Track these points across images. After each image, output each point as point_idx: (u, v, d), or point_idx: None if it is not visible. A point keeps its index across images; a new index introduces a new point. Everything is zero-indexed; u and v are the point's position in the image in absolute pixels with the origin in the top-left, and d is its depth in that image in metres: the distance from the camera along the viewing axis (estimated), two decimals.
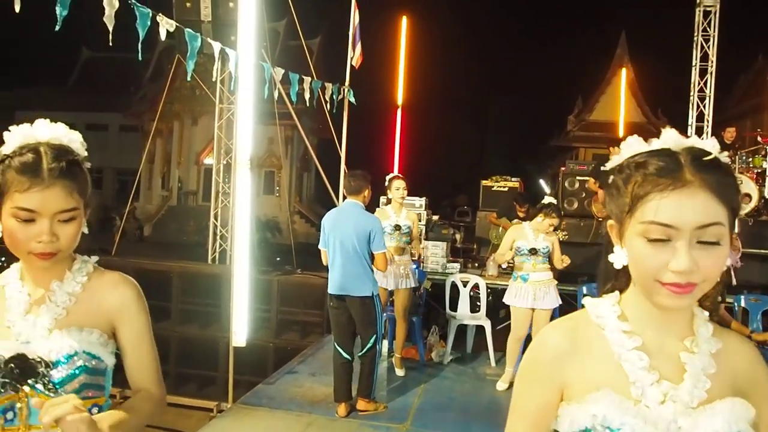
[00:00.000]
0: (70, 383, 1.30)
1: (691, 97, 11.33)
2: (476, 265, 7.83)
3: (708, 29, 11.22)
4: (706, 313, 1.07)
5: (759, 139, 8.84)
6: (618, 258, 1.03)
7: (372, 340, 4.70)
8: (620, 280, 1.10)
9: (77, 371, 1.31)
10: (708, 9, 11.30)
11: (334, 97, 7.82)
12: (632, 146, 1.04)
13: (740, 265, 4.11)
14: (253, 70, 5.38)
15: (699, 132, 11.28)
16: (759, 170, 8.55)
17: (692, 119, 11.35)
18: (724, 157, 0.99)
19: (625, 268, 1.04)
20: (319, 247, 4.83)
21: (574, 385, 1.05)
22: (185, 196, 22.43)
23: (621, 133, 11.48)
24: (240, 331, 5.36)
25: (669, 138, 1.01)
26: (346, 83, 8.20)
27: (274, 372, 5.91)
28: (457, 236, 8.43)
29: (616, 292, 1.10)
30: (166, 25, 4.31)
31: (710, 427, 0.97)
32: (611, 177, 1.05)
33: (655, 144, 1.01)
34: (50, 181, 1.25)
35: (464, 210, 13.99)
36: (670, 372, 1.02)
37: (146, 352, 1.45)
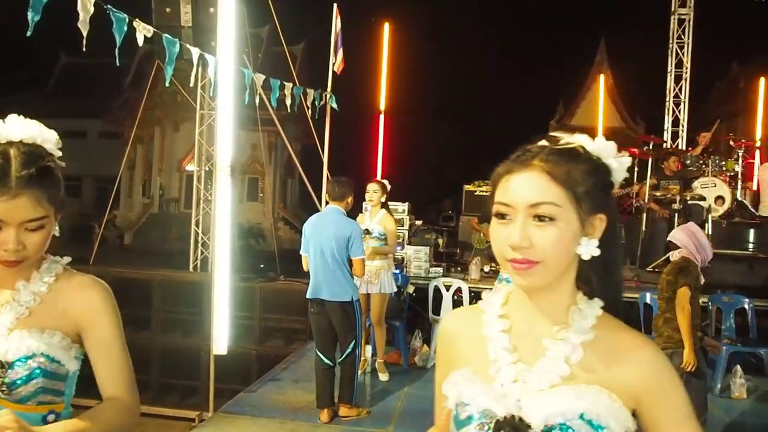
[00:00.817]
0: (25, 386, 1.26)
1: (667, 103, 11.53)
2: (459, 269, 7.88)
3: (683, 37, 11.44)
4: (597, 307, 1.06)
5: (731, 143, 9.00)
6: None
7: (351, 346, 4.71)
8: None
9: (35, 374, 1.27)
10: (683, 17, 11.51)
11: (317, 102, 7.84)
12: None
13: (707, 266, 4.19)
14: (233, 75, 5.38)
15: (675, 136, 11.49)
16: (732, 173, 8.70)
17: (668, 124, 11.54)
18: (596, 150, 1.02)
19: None
20: (300, 252, 4.84)
21: (455, 364, 1.12)
22: (167, 204, 22.24)
23: (600, 138, 11.63)
24: (221, 338, 5.33)
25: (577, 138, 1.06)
26: (329, 89, 8.22)
27: (257, 380, 5.89)
28: (440, 241, 8.48)
29: None
30: (143, 30, 4.29)
31: (548, 408, 0.98)
32: None
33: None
34: (18, 190, 1.21)
35: (449, 215, 14.04)
36: (530, 355, 1.05)
37: (116, 359, 1.38)
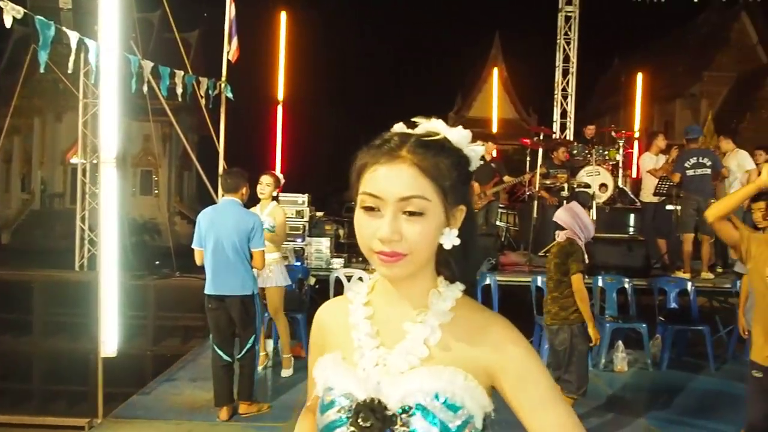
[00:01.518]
0: None
1: (556, 96, 12.10)
2: (360, 259, 7.89)
3: (569, 33, 12.02)
4: (456, 290, 1.08)
5: (613, 134, 9.59)
6: None
7: (251, 341, 4.62)
8: None
9: None
10: (569, 14, 12.10)
11: (210, 92, 7.56)
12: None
13: (590, 241, 4.47)
14: (117, 62, 5.07)
15: (563, 127, 12.10)
16: (614, 162, 9.29)
17: (557, 116, 12.12)
18: (456, 141, 1.03)
19: None
20: (193, 246, 4.65)
21: (324, 351, 1.16)
22: (50, 199, 20.83)
23: (495, 129, 12.07)
24: (109, 340, 5.05)
25: (428, 125, 1.06)
26: (223, 78, 7.95)
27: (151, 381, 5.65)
28: (341, 232, 8.46)
29: None
30: (11, 11, 3.93)
31: (404, 388, 1.01)
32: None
33: (419, 129, 1.05)
34: None
35: (352, 206, 14.06)
36: (391, 340, 1.07)
37: None
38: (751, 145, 10.99)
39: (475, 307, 1.09)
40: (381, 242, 0.98)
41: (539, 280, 6.36)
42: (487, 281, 6.62)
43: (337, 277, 6.57)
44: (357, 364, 1.07)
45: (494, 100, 12.53)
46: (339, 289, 6.53)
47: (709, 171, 7.28)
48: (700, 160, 7.33)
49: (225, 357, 4.57)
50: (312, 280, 6.71)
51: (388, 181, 0.98)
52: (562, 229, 4.42)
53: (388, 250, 0.98)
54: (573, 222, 4.39)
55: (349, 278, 6.55)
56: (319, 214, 8.40)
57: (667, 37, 24.07)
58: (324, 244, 7.13)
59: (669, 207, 8.19)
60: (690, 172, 7.33)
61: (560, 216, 4.49)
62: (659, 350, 6.39)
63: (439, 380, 1.01)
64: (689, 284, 6.76)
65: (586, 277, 4.73)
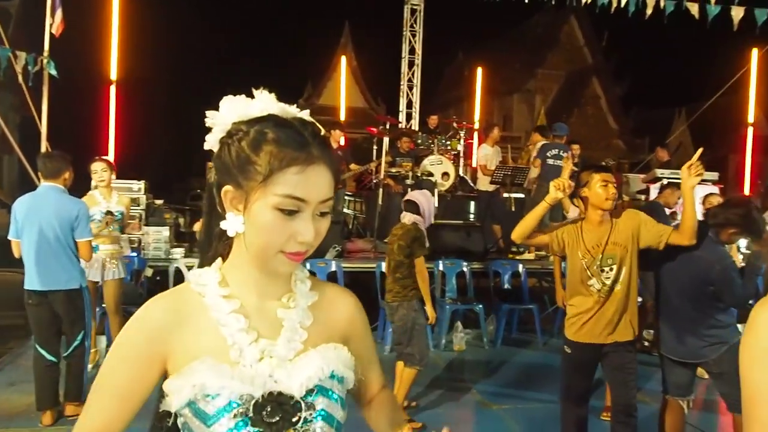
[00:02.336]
0: None
1: (402, 86, 12.45)
2: None
3: (414, 26, 12.39)
4: (306, 271, 1.16)
5: (455, 125, 10.06)
6: (232, 225, 1.02)
7: (80, 338, 4.29)
8: (221, 246, 1.12)
9: None
10: (414, 7, 12.46)
11: (30, 68, 6.86)
12: (236, 107, 1.04)
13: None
14: None
15: (409, 117, 12.49)
16: (455, 152, 9.76)
17: (403, 106, 12.48)
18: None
19: (227, 234, 1.05)
20: (10, 237, 4.20)
21: (177, 358, 1.03)
22: None
23: (343, 117, 12.19)
24: None
25: (272, 103, 1.04)
26: (45, 53, 7.25)
27: None
28: (181, 220, 8.10)
29: (219, 259, 1.12)
30: None
31: (305, 374, 1.03)
32: (228, 143, 1.03)
33: (255, 106, 1.03)
34: None
35: (197, 193, 13.50)
36: (269, 330, 1.07)
37: None
38: (581, 137, 12.10)
39: (321, 282, 1.20)
40: (300, 244, 0.99)
41: (383, 266, 6.52)
42: (333, 268, 6.69)
43: (177, 267, 6.30)
44: (236, 363, 1.01)
45: (342, 88, 12.62)
46: (180, 280, 6.25)
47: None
48: (561, 153, 7.97)
49: (49, 356, 4.21)
50: (149, 272, 6.37)
51: (313, 186, 0.99)
52: (411, 211, 4.58)
53: (303, 250, 1.01)
54: (426, 206, 4.59)
55: (189, 268, 6.27)
56: (159, 202, 7.98)
57: (505, 35, 25.66)
58: (163, 233, 6.79)
59: (505, 195, 8.82)
60: (550, 162, 8.00)
61: (417, 196, 4.67)
62: (494, 329, 6.84)
63: (329, 358, 1.07)
64: (520, 266, 7.30)
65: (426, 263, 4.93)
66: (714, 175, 9.58)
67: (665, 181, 7.89)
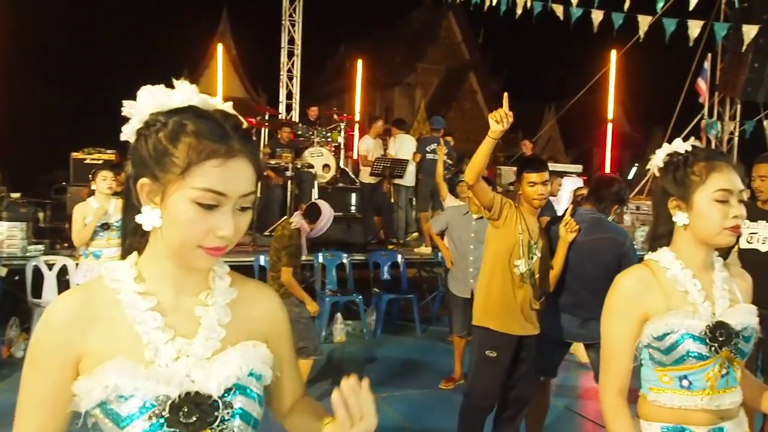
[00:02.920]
0: None
1: (281, 77, 12.25)
2: (66, 245, 7.09)
3: (294, 15, 12.20)
4: (226, 267, 1.13)
5: (336, 117, 10.05)
6: (149, 219, 0.99)
7: None
8: (137, 240, 1.08)
9: None
10: None
11: None
12: (155, 97, 1.00)
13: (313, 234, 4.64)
14: None
15: (289, 109, 12.32)
16: (336, 144, 9.76)
17: (283, 97, 12.30)
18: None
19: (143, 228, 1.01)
20: None
21: (90, 357, 0.99)
22: None
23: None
24: None
25: (193, 94, 1.01)
26: None
27: None
28: (41, 215, 7.50)
29: (135, 253, 1.07)
30: None
31: (223, 373, 1.01)
32: (145, 134, 0.99)
33: (175, 97, 1.00)
34: None
35: (62, 186, 12.56)
36: (187, 328, 1.03)
37: None
38: (458, 131, 12.49)
39: (241, 278, 1.16)
40: (219, 238, 0.97)
41: (262, 259, 6.42)
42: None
43: (36, 265, 5.82)
44: (151, 362, 0.98)
45: (219, 76, 12.23)
46: (39, 279, 5.79)
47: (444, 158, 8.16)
48: (433, 156, 8.16)
49: None
50: (3, 271, 5.83)
51: (233, 179, 0.97)
52: (309, 215, 4.53)
53: (223, 245, 0.98)
54: (325, 216, 4.56)
55: (50, 266, 5.84)
56: (15, 195, 7.33)
57: (387, 29, 26.01)
58: (19, 228, 6.23)
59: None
60: (429, 156, 8.24)
61: (323, 205, 4.65)
62: (374, 319, 6.92)
63: (248, 357, 1.05)
64: (399, 257, 7.44)
65: (306, 254, 4.90)
66: (578, 168, 10.26)
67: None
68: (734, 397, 1.58)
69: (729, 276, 1.65)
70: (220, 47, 12.70)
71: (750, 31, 8.49)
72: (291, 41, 12.18)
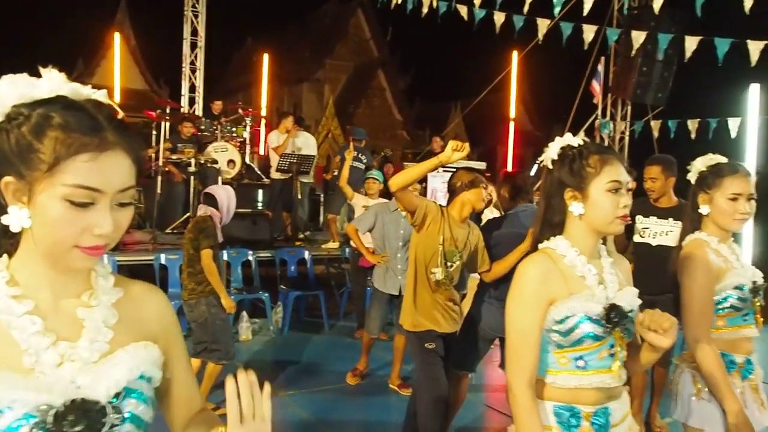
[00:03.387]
0: None
1: (184, 69, 11.83)
2: None
3: (197, 6, 11.81)
4: (108, 267, 1.08)
5: (240, 111, 9.82)
6: (16, 219, 0.91)
7: None
8: (7, 242, 0.99)
9: None
10: None
11: None
12: (17, 87, 0.91)
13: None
14: None
15: (192, 102, 11.92)
16: (241, 139, 9.53)
17: (186, 90, 11.88)
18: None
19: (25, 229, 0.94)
20: None
21: None
22: None
23: (118, 98, 11.25)
24: None
25: (61, 84, 0.94)
26: None
27: None
28: None
29: (5, 256, 0.99)
30: None
31: (112, 377, 0.97)
32: (6, 128, 0.91)
33: (42, 87, 0.92)
34: None
35: None
36: (69, 331, 0.98)
37: None
38: (368, 127, 12.51)
39: (126, 279, 1.12)
40: (97, 237, 0.92)
41: (163, 258, 6.19)
42: (105, 261, 6.15)
43: None
44: (31, 370, 0.91)
45: (116, 67, 11.64)
46: None
47: (363, 166, 8.17)
48: (359, 156, 8.22)
49: None
50: None
51: (108, 174, 0.91)
52: (208, 204, 4.38)
53: (102, 243, 0.93)
54: (225, 201, 4.42)
55: None
56: None
57: (295, 24, 25.70)
58: None
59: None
60: (354, 163, 8.17)
61: (216, 190, 4.48)
62: (281, 317, 6.82)
63: (139, 358, 1.01)
64: (306, 253, 7.38)
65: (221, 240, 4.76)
66: (482, 165, 10.55)
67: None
68: (621, 377, 1.67)
69: (614, 261, 1.75)
70: (117, 36, 12.07)
71: (639, 37, 8.98)
72: (194, 33, 11.77)
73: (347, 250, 7.38)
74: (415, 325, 3.52)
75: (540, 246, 1.75)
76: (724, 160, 2.32)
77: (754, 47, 7.55)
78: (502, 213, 4.15)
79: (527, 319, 1.63)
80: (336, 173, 8.49)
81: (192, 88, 11.93)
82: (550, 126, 22.47)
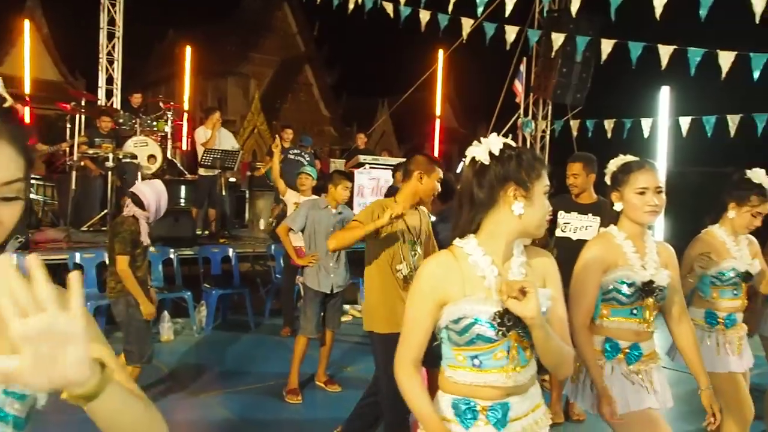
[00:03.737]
0: None
1: (101, 60, 11.32)
2: None
3: None
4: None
5: (162, 105, 9.51)
6: None
7: None
8: None
9: None
10: None
11: None
12: None
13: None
14: None
15: (109, 94, 11.43)
16: (163, 134, 9.23)
17: (103, 82, 11.37)
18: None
19: None
20: None
21: None
22: None
23: (28, 89, 10.65)
24: None
25: None
26: None
27: None
28: None
29: None
30: None
31: None
32: None
33: None
34: None
35: None
36: None
37: None
38: (295, 123, 12.38)
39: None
40: None
41: (78, 257, 5.92)
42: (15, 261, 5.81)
43: None
44: None
45: (26, 56, 11.02)
46: None
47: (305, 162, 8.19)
48: (296, 158, 8.32)
49: None
50: None
51: None
52: (135, 203, 4.16)
53: None
54: (152, 200, 4.18)
55: None
56: None
57: (219, 17, 25.09)
58: None
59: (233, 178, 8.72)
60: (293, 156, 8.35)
61: (140, 188, 4.22)
62: (204, 316, 6.67)
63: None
64: (231, 251, 7.23)
65: (149, 242, 4.55)
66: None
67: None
68: (522, 375, 1.68)
69: (526, 260, 1.74)
70: (27, 24, 11.42)
71: (558, 39, 9.29)
72: (111, 22, 11.27)
73: (273, 247, 7.29)
74: (391, 327, 3.23)
75: (454, 243, 1.74)
76: (635, 159, 2.46)
77: (665, 51, 7.97)
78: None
79: (419, 310, 1.70)
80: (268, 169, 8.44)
81: (109, 80, 11.43)
82: (475, 124, 22.98)
